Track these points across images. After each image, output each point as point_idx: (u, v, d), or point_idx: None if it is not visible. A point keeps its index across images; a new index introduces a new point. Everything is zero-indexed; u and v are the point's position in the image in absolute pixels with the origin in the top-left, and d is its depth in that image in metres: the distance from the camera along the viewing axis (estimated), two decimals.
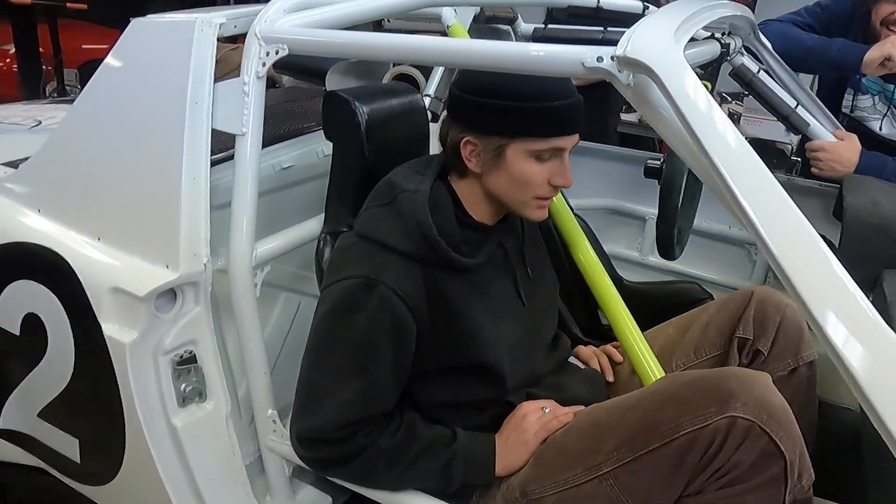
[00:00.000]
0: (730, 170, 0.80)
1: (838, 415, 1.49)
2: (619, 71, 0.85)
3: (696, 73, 1.45)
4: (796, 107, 1.78)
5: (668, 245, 1.37)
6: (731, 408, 0.93)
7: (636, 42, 0.82)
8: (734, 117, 3.89)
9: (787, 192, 2.12)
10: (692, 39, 1.33)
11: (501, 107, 1.02)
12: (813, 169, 1.75)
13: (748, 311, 1.26)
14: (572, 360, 1.33)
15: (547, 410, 1.12)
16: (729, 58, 1.55)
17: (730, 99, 3.81)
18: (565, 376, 1.26)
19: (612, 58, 0.85)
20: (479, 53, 1.02)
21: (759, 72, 1.76)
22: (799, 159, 2.07)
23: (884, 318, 1.21)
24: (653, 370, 1.26)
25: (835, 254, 1.40)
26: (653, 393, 1.04)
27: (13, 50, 5.39)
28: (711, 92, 1.42)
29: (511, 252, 1.18)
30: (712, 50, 1.30)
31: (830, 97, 1.92)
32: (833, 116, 1.82)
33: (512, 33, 2.00)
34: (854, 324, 0.75)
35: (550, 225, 1.50)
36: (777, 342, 1.25)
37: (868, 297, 1.42)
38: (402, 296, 1.03)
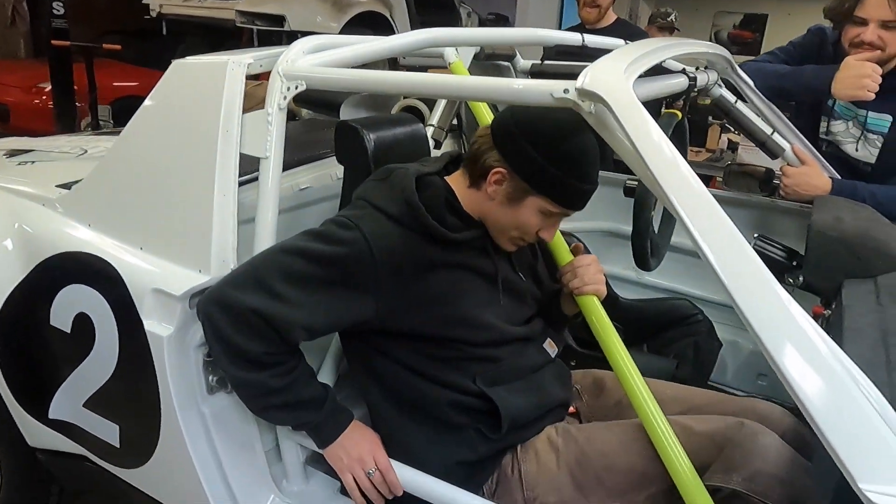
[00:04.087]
0: (670, 186, 0.94)
1: None
2: (581, 101, 1.01)
3: (670, 102, 1.62)
4: (772, 134, 1.94)
5: (642, 257, 1.51)
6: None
7: (591, 76, 0.98)
8: (733, 146, 4.06)
9: (771, 213, 2.27)
10: (665, 72, 1.50)
11: (548, 170, 1.16)
12: (780, 192, 1.90)
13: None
14: (546, 346, 1.40)
15: (372, 473, 1.23)
16: (701, 90, 1.71)
17: (731, 129, 3.99)
18: (543, 374, 1.34)
19: (575, 90, 1.01)
20: (470, 87, 1.20)
21: (736, 102, 1.93)
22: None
23: (838, 321, 1.34)
24: (648, 405, 1.18)
25: (801, 265, 1.51)
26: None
27: (49, 88, 5.68)
28: (682, 119, 1.57)
29: (494, 246, 1.29)
30: (680, 83, 1.46)
31: (809, 126, 2.07)
32: (808, 142, 1.97)
33: (512, 69, 2.18)
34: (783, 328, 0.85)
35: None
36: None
37: (832, 305, 1.56)
38: (372, 244, 1.14)
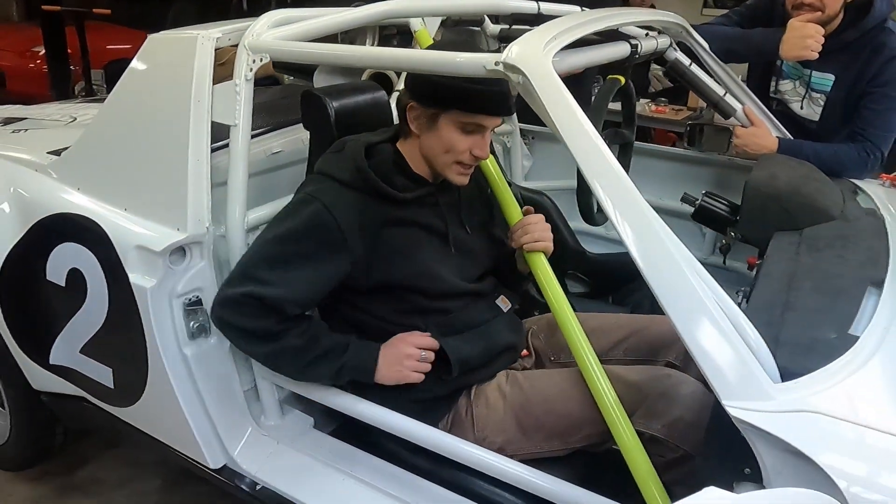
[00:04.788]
0: (577, 150, 1.07)
1: None
2: (508, 73, 1.12)
3: (617, 68, 1.71)
4: (725, 94, 2.04)
5: (587, 212, 1.63)
6: None
7: (515, 51, 1.10)
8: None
9: (727, 170, 2.42)
10: (607, 40, 1.59)
11: (443, 83, 1.26)
12: (733, 150, 2.02)
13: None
14: (499, 302, 1.52)
15: (424, 356, 1.34)
16: (652, 55, 1.81)
17: None
18: (493, 323, 1.46)
19: (502, 63, 1.12)
20: (417, 59, 1.30)
21: (690, 65, 2.02)
22: None
23: (759, 266, 1.47)
24: (588, 357, 1.28)
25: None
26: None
27: (43, 52, 5.71)
28: (625, 85, 1.68)
29: (444, 205, 1.42)
30: (621, 50, 1.56)
31: (761, 86, 2.17)
32: (760, 102, 2.07)
33: (483, 33, 2.27)
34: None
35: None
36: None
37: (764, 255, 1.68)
38: (333, 212, 1.29)
